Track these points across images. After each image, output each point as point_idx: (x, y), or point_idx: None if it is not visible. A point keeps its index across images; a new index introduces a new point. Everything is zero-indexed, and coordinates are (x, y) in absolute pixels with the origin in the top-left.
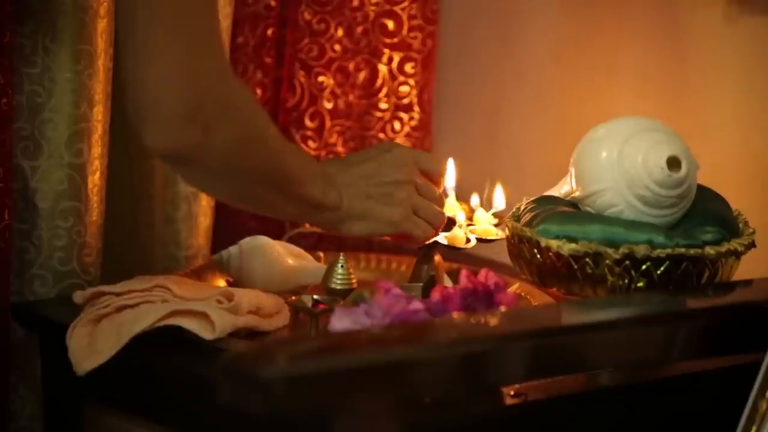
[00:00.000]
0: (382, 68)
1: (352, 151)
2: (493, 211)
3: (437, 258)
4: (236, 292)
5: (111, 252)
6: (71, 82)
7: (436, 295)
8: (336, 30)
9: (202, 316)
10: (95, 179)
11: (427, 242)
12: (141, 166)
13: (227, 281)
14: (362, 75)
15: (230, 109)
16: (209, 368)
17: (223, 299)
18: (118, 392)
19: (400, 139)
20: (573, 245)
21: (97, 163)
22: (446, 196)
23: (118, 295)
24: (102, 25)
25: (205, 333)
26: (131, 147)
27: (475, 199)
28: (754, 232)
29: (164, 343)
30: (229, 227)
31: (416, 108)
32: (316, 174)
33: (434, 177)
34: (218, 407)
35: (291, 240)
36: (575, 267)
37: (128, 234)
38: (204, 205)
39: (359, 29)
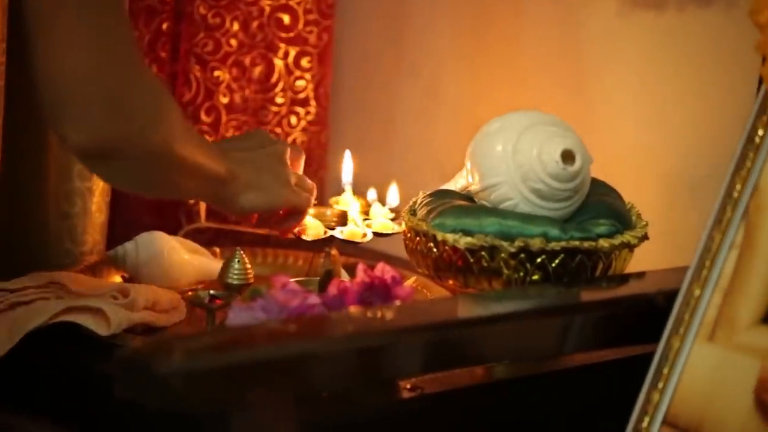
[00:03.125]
0: (278, 63)
1: None
2: (389, 206)
3: (334, 252)
4: (132, 288)
5: (4, 248)
6: None
7: (332, 289)
8: (231, 24)
9: (98, 312)
10: None
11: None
12: (34, 162)
13: (123, 277)
14: (258, 69)
15: (148, 97)
16: (105, 364)
17: (119, 295)
18: (11, 390)
19: (296, 134)
20: (469, 239)
21: None
22: (343, 190)
23: (11, 291)
24: None
25: (101, 329)
26: (24, 142)
27: (372, 194)
28: (646, 225)
29: (59, 340)
30: (124, 223)
31: (313, 102)
32: (213, 149)
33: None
34: (115, 404)
35: (187, 235)
36: (471, 260)
37: (22, 230)
38: (99, 201)
39: (255, 24)
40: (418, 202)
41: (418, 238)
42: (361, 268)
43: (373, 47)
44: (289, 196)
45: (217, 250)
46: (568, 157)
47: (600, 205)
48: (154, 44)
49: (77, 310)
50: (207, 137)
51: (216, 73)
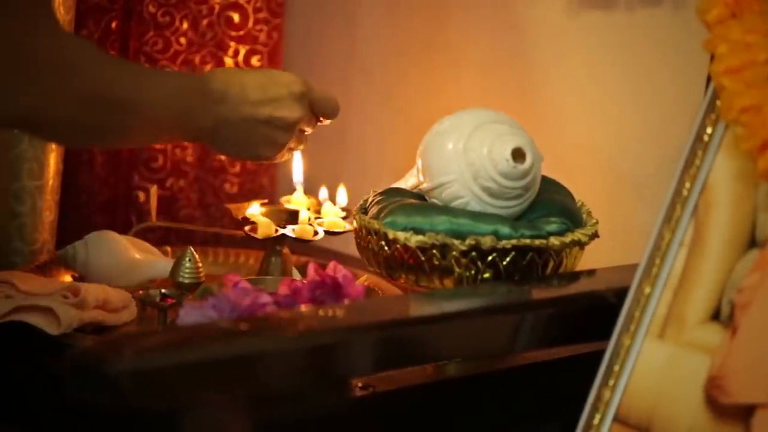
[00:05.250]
0: (228, 61)
1: (197, 148)
2: (339, 205)
3: (285, 251)
4: (82, 287)
5: None
6: None
7: (284, 288)
8: (181, 23)
9: (48, 311)
10: None
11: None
12: None
13: (73, 276)
14: (208, 68)
15: (67, 68)
16: (56, 364)
17: (69, 294)
18: None
19: None
20: (420, 237)
21: None
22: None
23: None
24: None
25: (51, 328)
26: None
27: (323, 192)
28: (597, 223)
29: (9, 340)
30: (74, 222)
31: None
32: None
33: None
34: (67, 403)
35: (138, 234)
36: (422, 258)
37: None
38: (49, 200)
39: (204, 22)
40: (369, 200)
41: (369, 237)
42: (312, 266)
43: (324, 46)
44: (265, 159)
45: (168, 249)
46: (518, 155)
47: (550, 203)
48: (103, 43)
49: (27, 310)
50: None
51: None
